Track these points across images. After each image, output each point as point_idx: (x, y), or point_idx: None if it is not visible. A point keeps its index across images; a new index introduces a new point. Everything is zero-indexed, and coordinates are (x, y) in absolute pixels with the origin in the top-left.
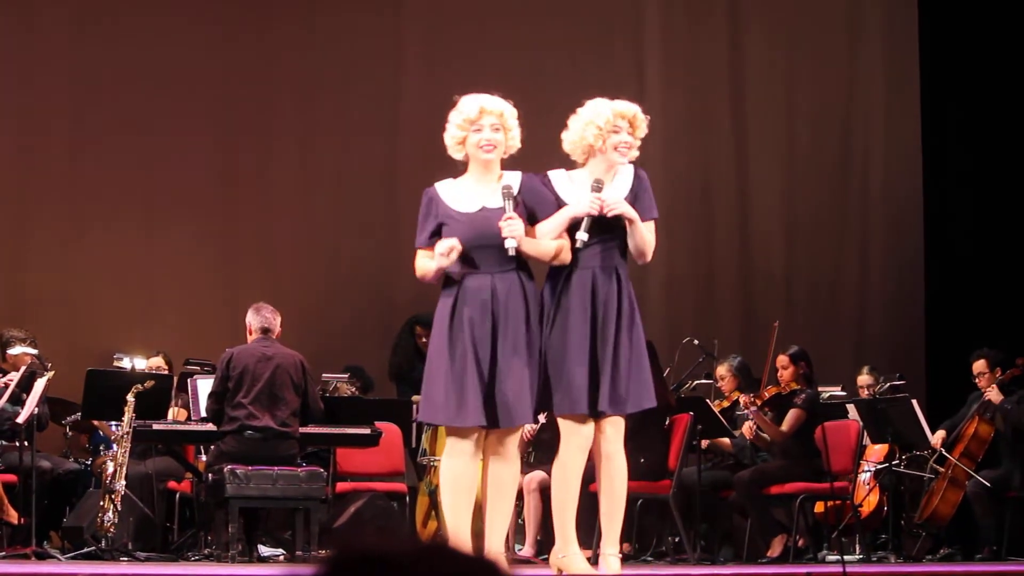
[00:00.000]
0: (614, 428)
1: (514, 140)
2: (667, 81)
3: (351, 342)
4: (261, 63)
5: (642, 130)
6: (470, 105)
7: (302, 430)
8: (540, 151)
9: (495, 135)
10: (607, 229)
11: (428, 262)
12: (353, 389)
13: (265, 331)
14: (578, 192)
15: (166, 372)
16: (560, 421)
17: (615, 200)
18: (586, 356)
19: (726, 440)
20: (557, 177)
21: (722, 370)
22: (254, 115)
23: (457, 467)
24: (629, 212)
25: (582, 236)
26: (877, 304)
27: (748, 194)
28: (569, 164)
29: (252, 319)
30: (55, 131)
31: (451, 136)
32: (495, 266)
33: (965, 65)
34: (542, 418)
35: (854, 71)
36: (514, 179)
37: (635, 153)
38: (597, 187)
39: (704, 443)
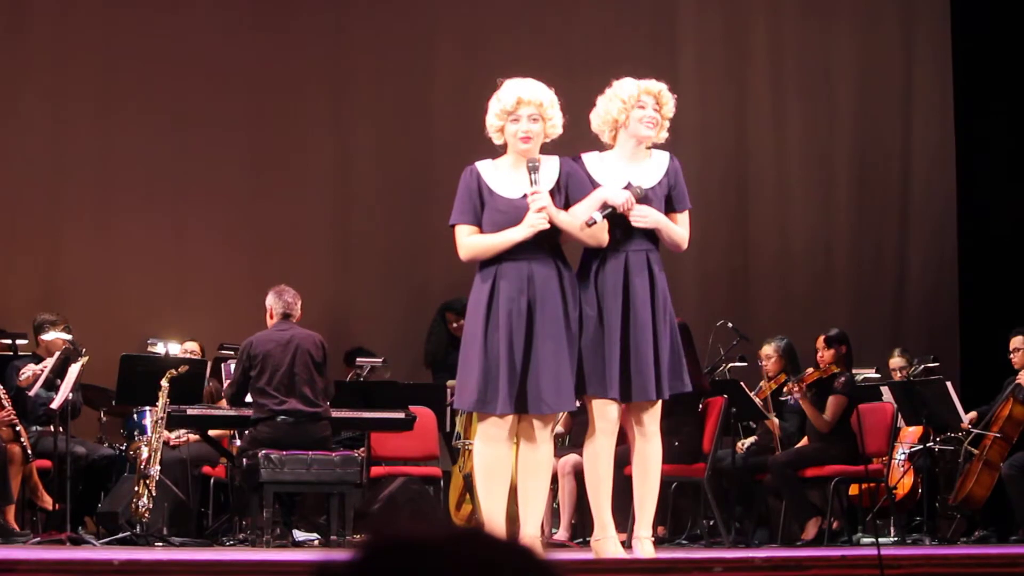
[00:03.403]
0: (650, 411)
1: (554, 128)
2: (702, 60)
3: (383, 330)
4: (292, 50)
5: (669, 108)
6: (508, 95)
7: (336, 414)
8: (573, 132)
9: (533, 126)
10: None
11: (483, 239)
12: (389, 373)
13: (286, 316)
14: (608, 174)
15: (200, 357)
16: (589, 403)
17: (645, 212)
18: (619, 339)
19: (776, 421)
20: (589, 159)
21: (768, 350)
22: (286, 102)
23: (490, 453)
24: (653, 224)
25: (596, 215)
26: (912, 286)
27: (784, 174)
28: (599, 146)
29: (274, 303)
30: (88, 118)
31: (490, 124)
32: (533, 251)
33: (999, 38)
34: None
35: (890, 45)
36: (552, 164)
37: (664, 134)
38: (637, 192)
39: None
